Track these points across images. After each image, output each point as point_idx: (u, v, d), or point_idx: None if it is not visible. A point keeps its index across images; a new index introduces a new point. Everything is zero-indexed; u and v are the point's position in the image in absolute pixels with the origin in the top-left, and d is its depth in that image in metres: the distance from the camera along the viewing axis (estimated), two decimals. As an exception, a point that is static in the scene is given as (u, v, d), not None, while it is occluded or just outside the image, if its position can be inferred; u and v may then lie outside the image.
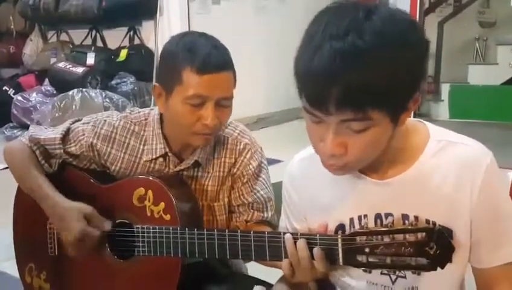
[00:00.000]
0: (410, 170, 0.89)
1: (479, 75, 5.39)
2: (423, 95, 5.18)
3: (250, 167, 1.22)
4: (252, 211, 1.22)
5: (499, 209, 0.89)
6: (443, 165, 0.88)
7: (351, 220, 0.94)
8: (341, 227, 0.95)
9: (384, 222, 0.91)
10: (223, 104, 1.12)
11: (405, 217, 0.90)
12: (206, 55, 1.08)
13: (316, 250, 0.88)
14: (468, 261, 0.94)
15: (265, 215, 1.22)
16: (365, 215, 0.93)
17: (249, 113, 5.07)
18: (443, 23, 5.39)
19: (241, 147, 1.23)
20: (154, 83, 1.18)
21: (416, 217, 0.89)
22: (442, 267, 0.80)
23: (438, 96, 5.42)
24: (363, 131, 0.78)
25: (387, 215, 0.91)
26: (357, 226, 0.93)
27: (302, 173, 1.01)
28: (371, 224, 0.92)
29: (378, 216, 0.92)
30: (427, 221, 0.88)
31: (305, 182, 1.00)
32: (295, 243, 0.91)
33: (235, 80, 1.14)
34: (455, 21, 5.52)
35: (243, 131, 1.26)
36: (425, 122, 0.95)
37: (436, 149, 0.89)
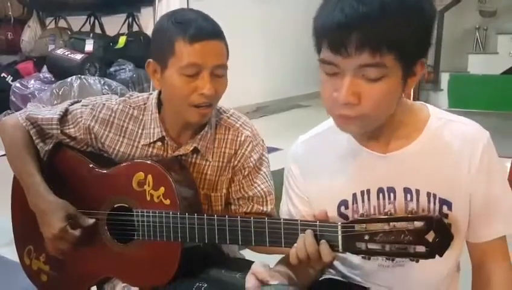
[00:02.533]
0: (412, 145, 0.94)
1: (479, 65, 5.38)
2: (423, 83, 5.18)
3: (251, 159, 1.22)
4: (251, 204, 1.22)
5: (496, 184, 0.94)
6: (443, 141, 0.93)
7: (354, 195, 0.96)
8: (344, 203, 0.97)
9: (387, 198, 0.94)
10: (218, 73, 1.13)
11: (407, 190, 0.93)
12: (197, 25, 1.10)
13: (323, 244, 0.89)
14: (464, 243, 0.98)
15: (265, 208, 1.22)
16: (368, 190, 0.95)
17: (248, 101, 5.05)
18: (443, 12, 5.35)
19: (242, 138, 1.23)
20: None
21: (417, 191, 0.93)
22: (441, 255, 0.81)
23: (438, 86, 5.42)
24: (378, 80, 0.82)
25: (390, 189, 0.94)
26: (359, 202, 0.95)
27: (306, 153, 1.03)
28: (374, 199, 0.95)
29: (380, 190, 0.95)
30: (428, 194, 0.92)
31: (309, 161, 1.02)
32: (304, 238, 0.91)
33: (227, 51, 1.15)
34: (455, 10, 5.49)
35: (245, 123, 1.26)
36: (425, 103, 1.00)
37: (437, 125, 0.94)
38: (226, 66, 1.15)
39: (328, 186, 0.99)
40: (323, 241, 0.89)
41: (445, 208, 0.92)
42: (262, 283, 0.89)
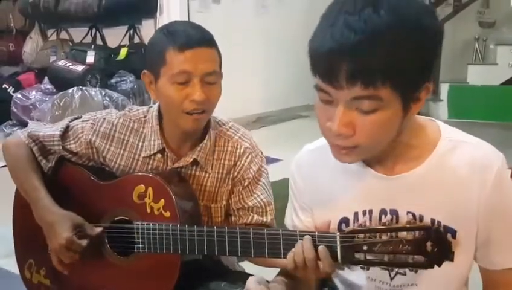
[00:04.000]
0: (419, 168, 0.89)
1: (478, 75, 5.40)
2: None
3: (251, 171, 1.23)
4: (251, 214, 1.23)
5: (509, 211, 0.89)
6: (453, 165, 0.88)
7: (356, 214, 0.94)
8: (345, 221, 0.95)
9: (389, 219, 0.91)
10: (209, 80, 1.14)
11: (410, 214, 0.90)
12: (187, 34, 1.13)
13: (322, 249, 0.87)
14: (473, 261, 0.93)
15: (265, 219, 1.22)
16: (370, 211, 0.92)
17: (248, 112, 5.07)
18: (443, 22, 5.38)
19: (242, 150, 1.23)
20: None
21: (421, 216, 0.89)
22: (439, 265, 0.81)
23: (437, 96, 5.43)
24: (373, 112, 0.78)
25: (393, 211, 0.91)
26: (361, 221, 0.93)
27: (311, 163, 1.01)
28: (375, 220, 0.92)
29: (383, 212, 0.91)
30: (432, 220, 0.88)
31: (313, 171, 1.00)
32: (302, 243, 0.90)
33: (220, 58, 1.17)
34: (455, 21, 5.53)
35: (244, 134, 1.27)
36: (436, 120, 0.94)
37: (447, 148, 0.89)
38: (219, 73, 1.17)
39: (330, 202, 0.96)
40: (321, 246, 0.87)
41: (449, 236, 0.88)
42: None
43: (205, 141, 1.22)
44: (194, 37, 1.13)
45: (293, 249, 0.91)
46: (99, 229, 1.16)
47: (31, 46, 4.90)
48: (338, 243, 0.87)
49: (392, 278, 0.94)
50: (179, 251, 1.09)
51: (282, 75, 5.43)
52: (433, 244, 0.79)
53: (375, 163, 0.91)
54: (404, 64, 0.75)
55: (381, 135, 0.81)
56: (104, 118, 1.26)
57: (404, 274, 0.93)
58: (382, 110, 0.78)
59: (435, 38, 0.80)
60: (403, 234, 0.81)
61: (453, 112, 5.31)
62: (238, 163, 1.23)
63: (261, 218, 1.22)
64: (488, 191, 0.86)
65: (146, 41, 4.39)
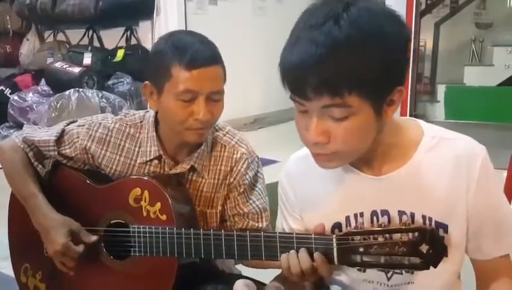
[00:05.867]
0: (405, 166, 0.91)
1: (475, 76, 5.41)
2: (419, 95, 5.21)
3: (247, 177, 1.23)
4: (247, 220, 1.23)
5: (495, 201, 0.92)
6: (438, 161, 0.90)
7: (347, 218, 0.95)
8: (337, 226, 0.95)
9: (381, 220, 0.92)
10: (214, 98, 1.13)
11: (401, 213, 0.91)
12: (194, 51, 1.10)
13: (317, 256, 0.88)
14: (465, 254, 0.95)
15: (260, 225, 1.22)
16: (361, 213, 0.93)
17: (246, 113, 5.07)
18: (439, 24, 5.41)
19: (238, 156, 1.23)
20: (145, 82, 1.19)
21: (412, 214, 0.90)
22: (435, 267, 0.81)
23: (434, 97, 5.45)
24: (345, 119, 0.80)
25: (383, 212, 0.92)
26: (353, 225, 0.94)
27: (299, 171, 1.02)
28: (367, 222, 0.93)
29: (374, 213, 0.92)
30: (423, 217, 0.90)
31: (302, 179, 1.01)
32: (297, 254, 0.90)
33: (224, 74, 1.15)
34: (451, 22, 5.55)
35: (241, 140, 1.26)
36: (417, 119, 0.96)
37: (431, 145, 0.91)
38: (223, 90, 1.15)
39: (321, 208, 0.97)
40: (316, 253, 0.88)
41: (441, 231, 0.90)
42: None
43: (202, 147, 1.22)
44: (202, 55, 1.10)
45: (288, 259, 0.91)
46: (95, 237, 1.16)
47: (28, 47, 4.89)
48: (334, 245, 0.87)
49: (389, 279, 0.94)
50: (176, 255, 1.08)
51: (279, 77, 5.43)
52: (428, 245, 0.80)
53: (362, 165, 0.93)
54: (368, 73, 0.77)
55: (356, 140, 0.83)
56: (100, 123, 1.25)
57: (401, 273, 0.93)
58: (354, 116, 0.80)
59: (399, 45, 0.81)
60: (398, 236, 0.81)
61: (450, 113, 5.32)
62: (235, 169, 1.23)
63: (256, 224, 1.22)
64: (474, 184, 0.89)
65: (143, 43, 4.41)
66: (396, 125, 0.91)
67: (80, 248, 1.13)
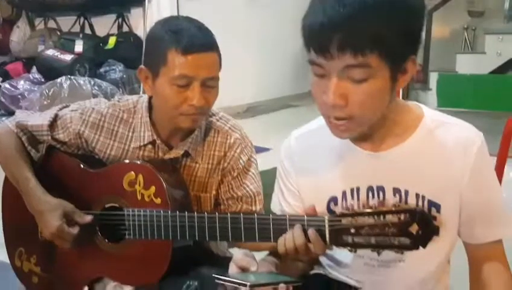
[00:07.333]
0: (403, 145, 0.93)
1: (467, 64, 5.44)
2: (412, 83, 5.23)
3: (240, 161, 1.24)
4: (240, 203, 1.24)
5: (490, 187, 0.95)
6: (436, 143, 0.93)
7: (344, 193, 0.97)
8: (334, 200, 0.98)
9: (376, 196, 0.94)
10: (209, 84, 1.14)
11: (396, 190, 0.94)
12: (190, 36, 1.10)
13: (311, 232, 0.90)
14: (457, 237, 0.98)
15: (254, 208, 1.24)
16: (358, 188, 0.96)
17: (239, 102, 5.07)
18: (432, 12, 5.41)
19: (232, 141, 1.24)
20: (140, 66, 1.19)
21: (406, 191, 0.93)
22: (424, 247, 0.83)
23: (426, 85, 5.47)
24: (364, 81, 0.83)
25: (379, 188, 0.94)
26: (349, 200, 0.96)
27: (299, 147, 1.04)
28: (363, 197, 0.95)
29: (370, 189, 0.95)
30: (417, 195, 0.92)
31: (301, 156, 1.03)
32: (292, 231, 0.92)
33: (220, 61, 1.16)
34: (444, 10, 5.55)
35: (234, 125, 1.27)
36: (419, 104, 0.99)
37: (430, 127, 0.94)
38: (218, 76, 1.16)
39: (318, 183, 0.99)
40: (311, 229, 0.90)
41: (433, 211, 0.92)
42: (243, 270, 0.90)
43: (196, 133, 1.22)
44: (198, 41, 1.10)
45: (284, 236, 0.93)
46: (89, 217, 1.16)
47: (19, 35, 4.83)
48: (327, 226, 0.89)
49: (379, 254, 0.95)
50: (170, 237, 1.09)
51: (273, 65, 5.43)
52: (418, 226, 0.81)
53: (363, 140, 0.95)
54: (390, 34, 0.81)
55: (372, 104, 0.86)
56: (93, 108, 1.25)
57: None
58: (372, 79, 0.83)
59: (419, 11, 0.86)
60: (389, 217, 0.83)
61: (442, 100, 5.35)
62: (228, 154, 1.24)
63: (250, 207, 1.23)
64: (470, 168, 0.91)
65: (135, 30, 4.38)
66: (400, 104, 0.95)
67: (75, 229, 1.14)
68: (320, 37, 0.82)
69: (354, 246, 0.87)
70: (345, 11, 0.80)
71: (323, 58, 0.83)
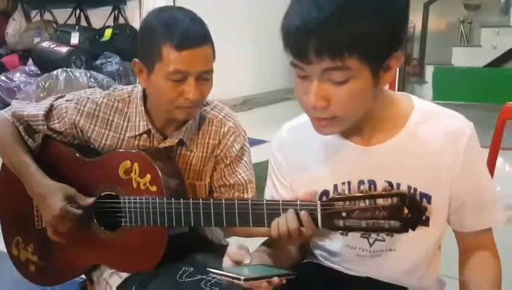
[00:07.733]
0: (394, 138, 0.93)
1: (462, 57, 5.46)
2: (408, 76, 5.24)
3: (233, 149, 1.25)
4: (232, 191, 1.25)
5: (480, 176, 0.95)
6: (426, 135, 0.93)
7: (335, 186, 0.97)
8: (325, 193, 0.98)
9: (368, 190, 0.94)
10: (204, 77, 1.15)
11: (388, 184, 0.93)
12: (184, 30, 1.10)
13: (303, 214, 0.91)
14: (447, 224, 0.99)
15: (245, 195, 1.25)
16: (349, 182, 0.96)
17: (235, 94, 5.07)
18: (428, 5, 5.42)
19: (226, 129, 1.25)
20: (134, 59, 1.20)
21: (398, 184, 0.93)
22: (414, 229, 0.84)
23: (422, 78, 5.49)
24: (344, 83, 0.82)
25: (370, 182, 0.95)
26: (340, 192, 0.96)
27: (291, 140, 1.04)
28: (354, 191, 0.95)
29: (361, 183, 0.95)
30: (409, 187, 0.93)
31: (293, 148, 1.03)
32: (286, 215, 0.93)
33: (214, 53, 1.16)
34: (440, 3, 5.56)
35: (228, 114, 1.28)
36: (409, 94, 0.99)
37: (421, 119, 0.94)
38: (212, 69, 1.16)
39: (310, 176, 1.00)
40: (303, 212, 0.91)
41: (424, 202, 0.93)
42: (237, 263, 0.91)
43: (190, 121, 1.23)
44: (193, 35, 1.10)
45: (277, 219, 0.94)
46: (91, 200, 1.17)
47: (14, 27, 4.80)
48: (319, 210, 0.90)
49: (371, 245, 0.98)
50: (166, 224, 1.11)
51: (269, 58, 5.40)
52: (408, 210, 0.83)
53: (353, 135, 0.95)
54: (369, 36, 0.79)
55: (355, 104, 0.85)
56: (88, 98, 1.26)
57: (383, 240, 0.97)
58: (353, 80, 0.82)
59: (398, 10, 0.83)
60: (380, 201, 0.84)
61: (438, 93, 5.37)
62: (222, 141, 1.25)
63: (241, 195, 1.25)
64: (460, 158, 0.92)
65: (131, 22, 4.36)
66: (388, 97, 0.94)
67: (78, 210, 1.15)
68: (297, 42, 0.81)
69: (345, 230, 0.88)
70: (321, 14, 0.77)
71: (301, 62, 0.82)
